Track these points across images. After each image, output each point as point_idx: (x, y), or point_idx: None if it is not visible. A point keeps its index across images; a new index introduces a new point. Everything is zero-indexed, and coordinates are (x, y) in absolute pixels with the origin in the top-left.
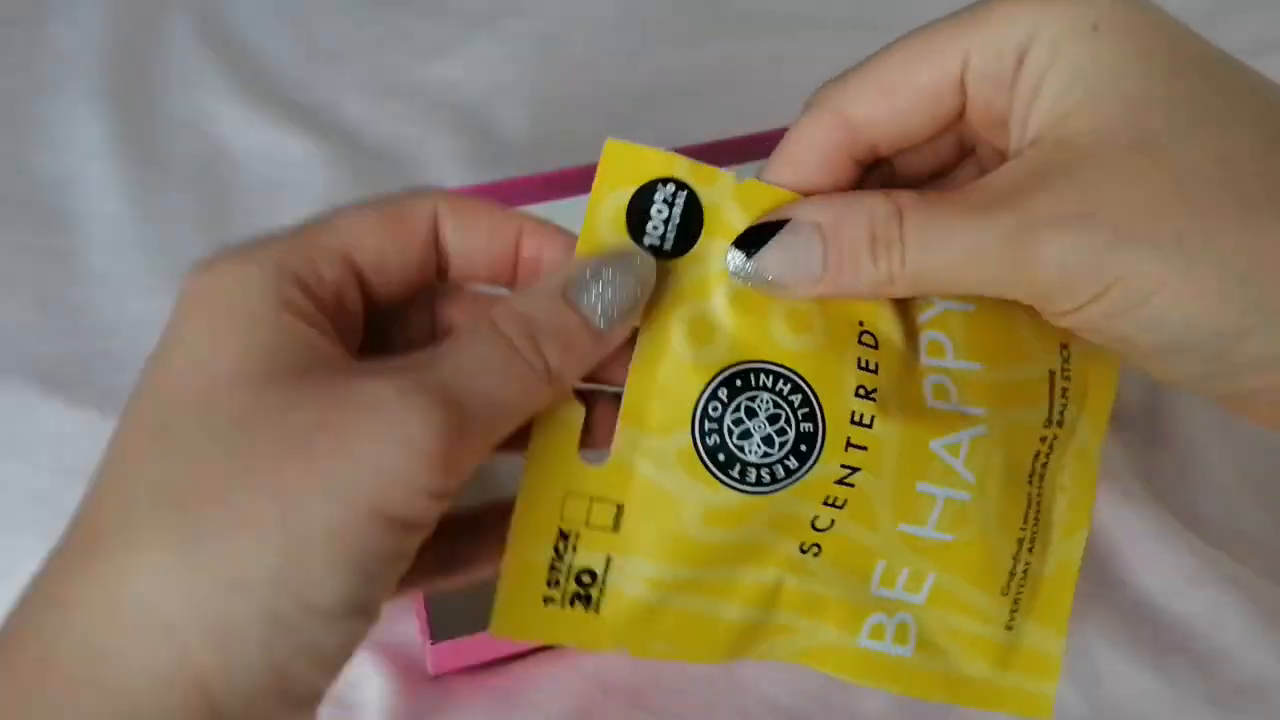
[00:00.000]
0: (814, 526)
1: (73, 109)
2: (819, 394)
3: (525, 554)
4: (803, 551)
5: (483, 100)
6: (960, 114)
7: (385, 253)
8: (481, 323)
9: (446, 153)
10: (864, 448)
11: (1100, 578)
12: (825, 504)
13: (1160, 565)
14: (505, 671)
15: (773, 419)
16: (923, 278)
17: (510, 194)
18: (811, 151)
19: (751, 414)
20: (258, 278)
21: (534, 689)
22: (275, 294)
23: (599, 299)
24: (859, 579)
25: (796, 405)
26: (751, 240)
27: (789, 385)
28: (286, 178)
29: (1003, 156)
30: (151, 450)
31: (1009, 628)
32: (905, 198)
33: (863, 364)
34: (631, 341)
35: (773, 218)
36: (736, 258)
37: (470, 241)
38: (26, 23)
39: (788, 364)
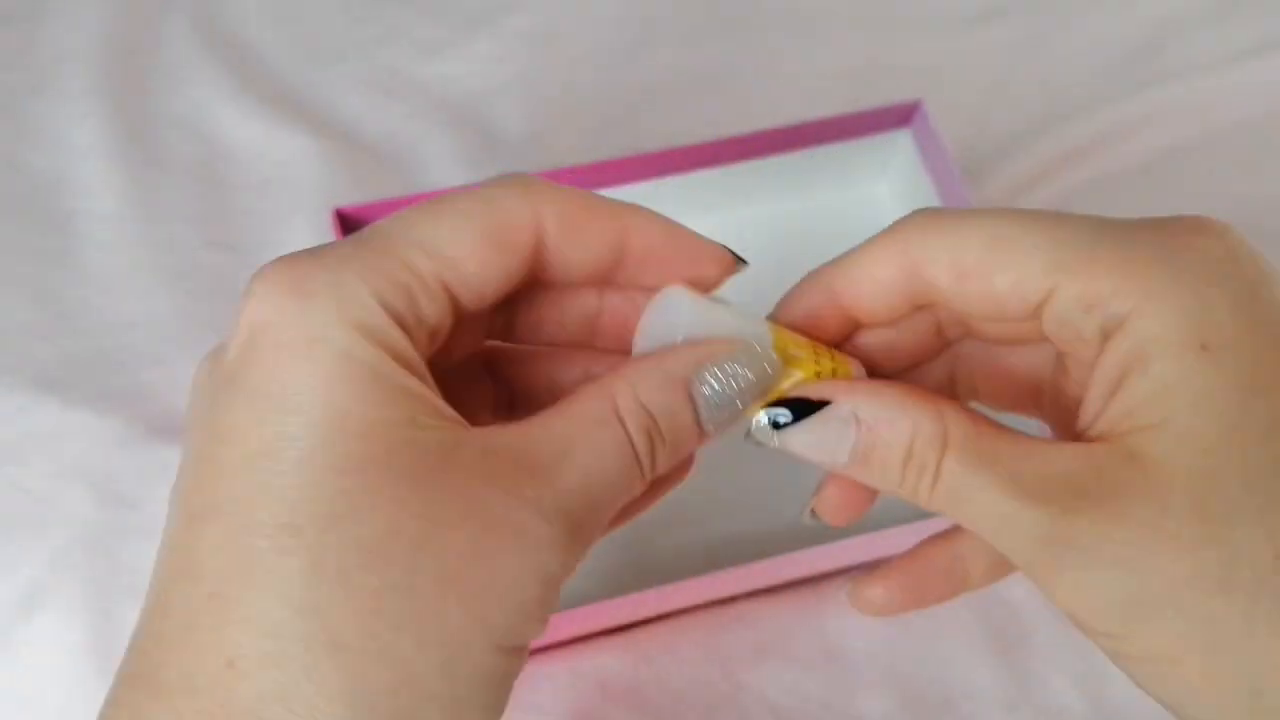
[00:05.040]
0: None
1: (70, 108)
2: None
3: None
4: None
5: (481, 98)
6: (922, 304)
7: (485, 279)
8: (603, 407)
9: (445, 150)
10: None
11: None
12: None
13: None
14: None
15: None
16: (944, 510)
17: None
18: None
19: None
20: (361, 316)
21: (534, 690)
22: (384, 338)
23: (719, 398)
24: None
25: None
26: (789, 409)
27: None
28: (284, 175)
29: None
30: (280, 562)
31: None
32: (957, 426)
33: None
34: None
35: (815, 394)
36: (764, 422)
37: (575, 254)
38: (24, 21)
39: None
